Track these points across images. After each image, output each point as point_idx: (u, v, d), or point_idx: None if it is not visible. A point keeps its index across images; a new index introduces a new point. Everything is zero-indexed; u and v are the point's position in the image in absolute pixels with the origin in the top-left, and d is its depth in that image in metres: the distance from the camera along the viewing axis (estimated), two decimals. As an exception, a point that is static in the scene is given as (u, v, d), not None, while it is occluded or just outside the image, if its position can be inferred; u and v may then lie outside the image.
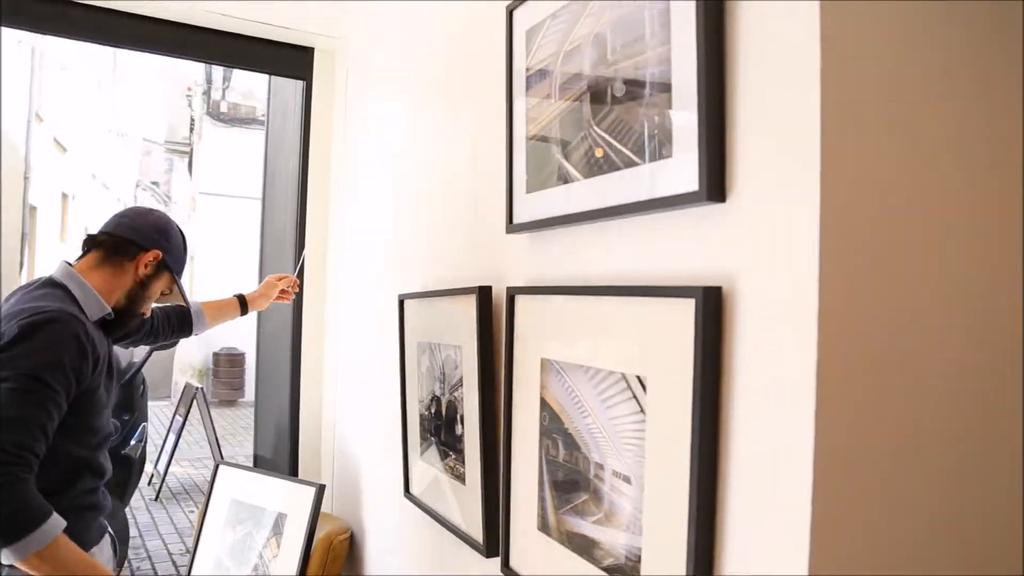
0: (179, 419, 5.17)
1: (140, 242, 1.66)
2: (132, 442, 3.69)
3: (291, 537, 2.16)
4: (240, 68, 2.93)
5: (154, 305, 1.86)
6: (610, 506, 0.99)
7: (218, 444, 5.09)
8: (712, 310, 0.84)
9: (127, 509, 3.81)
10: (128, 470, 3.71)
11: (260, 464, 3.41)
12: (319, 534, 2.15)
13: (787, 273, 0.77)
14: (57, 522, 1.36)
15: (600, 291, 1.02)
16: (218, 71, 10.55)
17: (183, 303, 1.93)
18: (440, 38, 1.72)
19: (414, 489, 1.74)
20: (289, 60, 2.69)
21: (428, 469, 1.64)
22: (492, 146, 1.41)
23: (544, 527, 1.15)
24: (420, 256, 1.76)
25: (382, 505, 2.03)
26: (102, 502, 1.65)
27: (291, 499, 2.21)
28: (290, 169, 3.23)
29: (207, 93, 10.48)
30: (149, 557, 4.22)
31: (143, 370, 3.76)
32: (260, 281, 3.71)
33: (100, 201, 19.91)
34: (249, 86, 10.58)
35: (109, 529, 1.73)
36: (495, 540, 1.35)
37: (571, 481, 1.08)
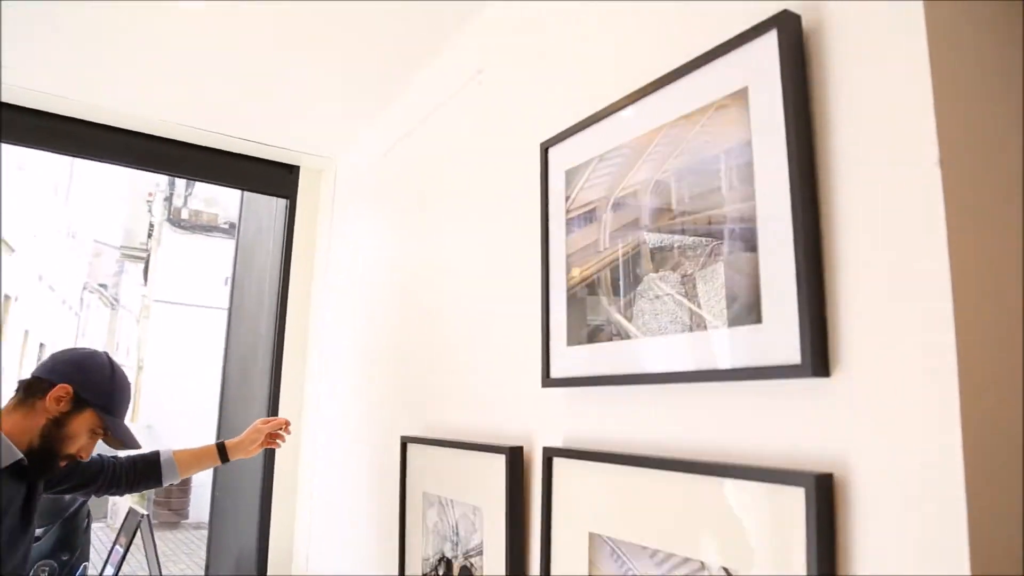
0: (119, 550, 4.72)
1: (49, 378, 1.55)
2: (70, 584, 3.32)
3: None
4: (222, 185, 2.84)
5: (120, 453, 1.73)
6: None
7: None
8: (825, 500, 0.73)
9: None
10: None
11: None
12: None
13: (918, 461, 0.67)
14: None
15: (672, 465, 0.90)
16: (180, 179, 10.48)
17: (126, 446, 1.68)
18: (462, 165, 1.66)
19: (412, 663, 1.53)
20: (274, 178, 2.62)
21: (432, 642, 1.44)
22: (515, 287, 1.32)
23: None
24: (427, 398, 1.63)
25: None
26: None
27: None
28: (262, 282, 3.10)
29: (168, 199, 10.35)
30: None
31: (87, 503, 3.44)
32: (220, 393, 3.50)
33: (44, 303, 19.26)
34: (212, 193, 10.51)
35: None
36: None
37: None
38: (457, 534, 1.37)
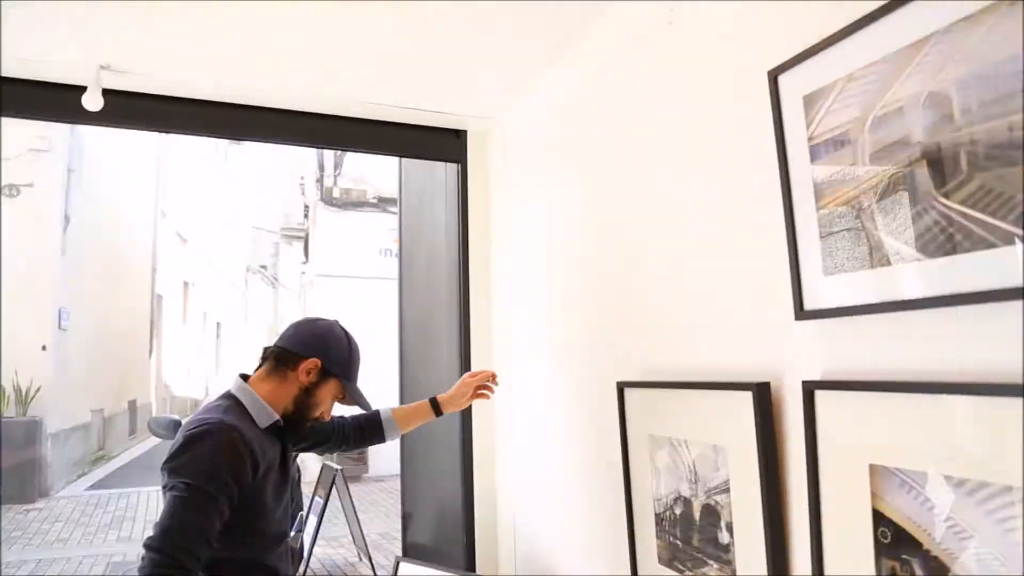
0: (319, 501, 5.17)
1: (298, 351, 1.73)
2: (292, 532, 3.66)
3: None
4: (390, 155, 2.95)
5: (345, 413, 1.88)
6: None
7: (360, 529, 5.04)
8: None
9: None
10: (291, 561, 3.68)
11: (415, 553, 3.30)
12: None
13: None
14: None
15: (980, 390, 0.85)
16: (329, 159, 11.02)
17: (361, 408, 1.89)
18: (663, 107, 1.63)
19: (649, 599, 1.57)
20: (441, 143, 2.68)
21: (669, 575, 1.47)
22: (742, 222, 1.29)
23: (889, 668, 0.97)
24: (641, 343, 1.63)
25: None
26: None
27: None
28: (433, 248, 3.22)
29: (320, 180, 10.93)
30: (302, 649, 4.14)
31: (298, 458, 3.77)
32: (400, 357, 3.69)
33: (215, 286, 21.06)
34: (359, 171, 10.98)
35: None
36: (790, 672, 1.17)
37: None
38: (695, 473, 1.38)
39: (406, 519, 3.48)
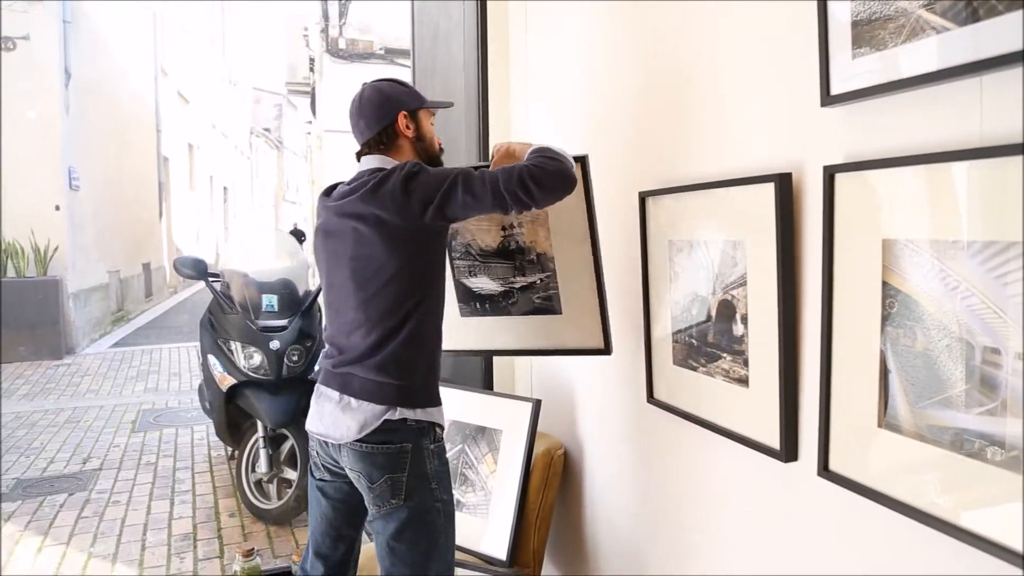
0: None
1: (387, 121, 1.73)
2: (315, 368, 3.84)
3: (509, 453, 2.16)
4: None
5: None
6: (1012, 393, 0.87)
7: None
8: None
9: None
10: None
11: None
12: (536, 451, 2.15)
13: None
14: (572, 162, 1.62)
15: (989, 153, 0.88)
16: (333, 8, 10.59)
17: (444, 105, 1.91)
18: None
19: (661, 395, 1.68)
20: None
21: (685, 374, 1.56)
22: (772, 13, 1.27)
23: (889, 424, 1.05)
24: (664, 153, 1.65)
25: (611, 416, 1.99)
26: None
27: (506, 415, 2.21)
28: (449, 90, 3.17)
29: (324, 31, 10.55)
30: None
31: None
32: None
33: (220, 149, 20.85)
34: (366, 21, 10.58)
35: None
36: (794, 444, 1.27)
37: (937, 371, 0.97)
38: (713, 272, 1.44)
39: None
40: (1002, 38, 0.86)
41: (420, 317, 1.62)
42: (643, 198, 1.67)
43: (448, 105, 1.91)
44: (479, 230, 1.95)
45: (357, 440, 1.60)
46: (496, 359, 2.68)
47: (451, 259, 2.00)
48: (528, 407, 2.15)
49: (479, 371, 2.73)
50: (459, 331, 2.08)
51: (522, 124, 2.51)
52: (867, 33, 1.05)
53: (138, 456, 5.06)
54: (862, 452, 1.11)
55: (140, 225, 13.37)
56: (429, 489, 1.62)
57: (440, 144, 1.83)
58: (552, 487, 2.17)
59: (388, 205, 1.58)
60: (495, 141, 2.60)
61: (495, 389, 2.66)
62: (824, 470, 1.18)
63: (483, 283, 1.99)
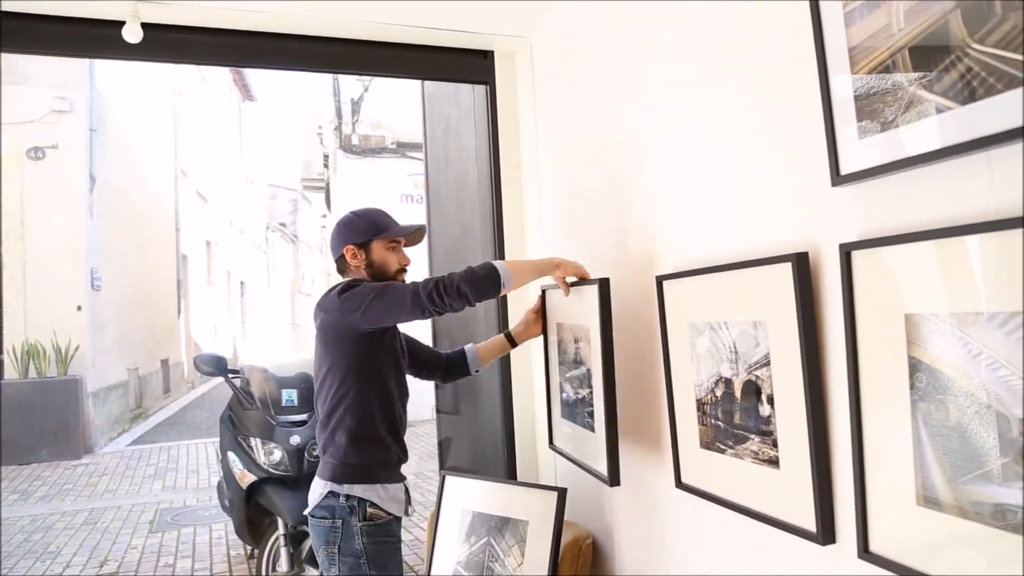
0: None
1: (336, 254, 2.05)
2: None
3: (536, 545, 2.11)
4: (418, 78, 2.98)
5: (438, 350, 2.33)
6: (1052, 468, 0.86)
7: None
8: None
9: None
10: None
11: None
12: (563, 540, 2.09)
13: None
14: (506, 274, 1.90)
15: (1006, 224, 0.89)
16: (347, 106, 11.01)
17: (413, 233, 2.08)
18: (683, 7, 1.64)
19: (690, 480, 1.64)
20: (469, 65, 2.70)
21: (714, 457, 1.54)
22: (776, 97, 1.32)
23: (928, 501, 1.03)
24: (677, 235, 1.68)
25: (639, 502, 1.94)
26: (402, 462, 2.07)
27: (531, 505, 2.16)
28: (461, 178, 3.26)
29: (338, 128, 10.95)
30: None
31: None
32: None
33: (237, 245, 21.29)
34: (377, 117, 10.98)
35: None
36: (831, 526, 1.24)
37: (972, 444, 0.95)
38: (736, 352, 1.44)
39: (443, 445, 3.59)
40: (1003, 115, 0.89)
41: (349, 406, 1.89)
42: (660, 281, 1.68)
43: (411, 230, 2.06)
44: (566, 340, 2.09)
45: (308, 513, 1.95)
46: (518, 446, 2.65)
47: (559, 363, 2.19)
48: (554, 496, 2.11)
49: (502, 460, 2.70)
50: (557, 429, 2.26)
51: (535, 210, 2.56)
52: (867, 107, 1.09)
53: (156, 558, 4.97)
54: (903, 531, 1.08)
55: (159, 322, 13.54)
56: (359, 566, 1.85)
57: (403, 265, 2.05)
58: (581, 577, 2.10)
59: (327, 309, 1.92)
60: (510, 228, 2.65)
61: (519, 478, 2.62)
62: (865, 552, 1.14)
63: (567, 389, 2.12)
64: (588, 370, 1.89)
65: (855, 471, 1.15)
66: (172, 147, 14.45)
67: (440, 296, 1.79)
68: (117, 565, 4.84)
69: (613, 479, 1.76)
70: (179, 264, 14.62)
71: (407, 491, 2.03)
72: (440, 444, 3.78)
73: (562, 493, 2.10)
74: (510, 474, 2.65)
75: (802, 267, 1.24)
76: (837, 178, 1.15)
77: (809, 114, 1.22)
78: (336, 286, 1.95)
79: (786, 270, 1.26)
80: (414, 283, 1.84)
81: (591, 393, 1.88)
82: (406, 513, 2.00)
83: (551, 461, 2.52)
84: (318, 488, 1.93)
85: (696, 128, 1.59)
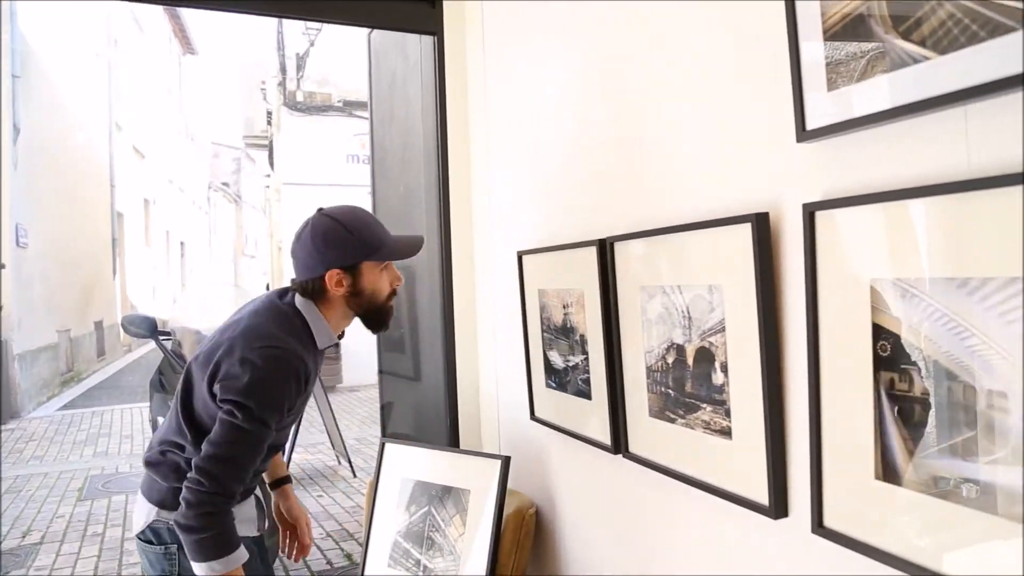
0: (297, 406, 5.17)
1: (314, 275, 1.63)
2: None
3: (478, 514, 2.04)
4: (363, 26, 2.81)
5: None
6: (1019, 441, 0.81)
7: (340, 433, 5.08)
8: None
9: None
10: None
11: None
12: (506, 510, 2.03)
13: None
14: (242, 554, 1.51)
15: (993, 182, 0.83)
16: (291, 62, 10.58)
17: (412, 253, 1.74)
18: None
19: (637, 449, 1.59)
20: (414, 14, 2.55)
21: (662, 426, 1.48)
22: (741, 46, 1.23)
23: (888, 475, 0.98)
24: (628, 197, 1.59)
25: (583, 472, 1.89)
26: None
27: (474, 474, 2.09)
28: (407, 133, 3.12)
29: (282, 84, 10.53)
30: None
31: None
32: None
33: (177, 204, 20.55)
34: (323, 73, 10.60)
35: (257, 492, 1.80)
36: (784, 500, 1.19)
37: (940, 417, 0.90)
38: (689, 318, 1.37)
39: (385, 410, 3.50)
40: (986, 66, 0.82)
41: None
42: (609, 243, 1.60)
43: (415, 247, 1.72)
44: (552, 306, 1.95)
45: (136, 535, 1.72)
46: (460, 412, 2.57)
47: (541, 331, 2.02)
48: (497, 465, 2.04)
49: (444, 427, 2.62)
50: (542, 401, 2.08)
51: (483, 169, 2.45)
52: (838, 55, 1.01)
53: (84, 527, 4.78)
54: (859, 506, 1.03)
55: (92, 282, 13.01)
56: None
57: (396, 287, 1.71)
58: (524, 548, 2.05)
59: (215, 374, 1.53)
60: (457, 188, 2.54)
61: (461, 446, 2.55)
62: (819, 527, 1.09)
63: (555, 357, 1.97)
64: (582, 336, 1.80)
65: (811, 443, 1.09)
66: (106, 99, 13.76)
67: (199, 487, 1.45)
68: (41, 535, 4.64)
69: (616, 447, 1.65)
70: (114, 222, 14.04)
71: (261, 502, 1.79)
72: (382, 409, 3.68)
73: (506, 461, 2.03)
74: (452, 442, 2.57)
75: (762, 228, 1.17)
76: (802, 133, 1.08)
77: (774, 63, 1.14)
78: (222, 363, 1.52)
79: (745, 231, 1.19)
80: (204, 482, 1.45)
81: (586, 359, 1.78)
82: (260, 530, 1.77)
83: (494, 429, 2.45)
84: (144, 509, 1.65)
85: (654, 77, 1.50)
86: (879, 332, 0.98)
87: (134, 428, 8.29)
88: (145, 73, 17.10)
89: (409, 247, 1.71)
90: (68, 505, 5.28)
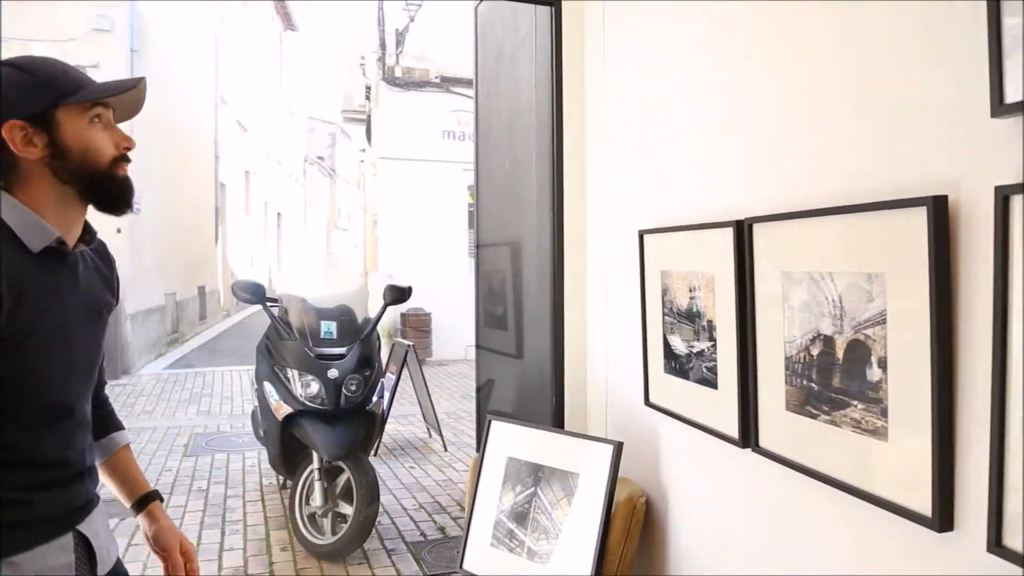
0: (391, 376, 5.26)
1: None
2: (374, 398, 3.74)
3: (586, 499, 2.00)
4: None
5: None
6: None
7: (432, 405, 5.14)
8: None
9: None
10: (372, 426, 3.79)
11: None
12: (617, 497, 1.98)
13: None
14: None
15: None
16: (391, 37, 10.71)
17: (121, 89, 1.25)
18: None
19: (769, 444, 1.50)
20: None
21: (803, 422, 1.39)
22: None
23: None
24: (772, 172, 1.50)
25: (703, 464, 1.81)
26: (41, 507, 1.18)
27: (583, 457, 2.04)
28: (511, 115, 3.07)
29: (381, 59, 10.66)
30: (386, 511, 4.33)
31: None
32: (474, 231, 3.63)
33: (275, 176, 21.28)
34: (421, 49, 10.68)
35: (88, 527, 1.28)
36: (949, 509, 1.09)
37: None
38: (841, 308, 1.27)
39: (484, 387, 3.48)
40: None
41: None
42: (748, 225, 1.51)
43: (123, 89, 1.25)
44: (676, 288, 1.88)
45: None
46: (567, 394, 2.53)
47: (662, 314, 1.96)
48: (609, 450, 1.98)
49: (548, 408, 2.58)
50: (659, 387, 2.02)
51: (600, 144, 2.37)
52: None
53: (189, 482, 5.02)
54: (1048, 527, 0.93)
55: (197, 249, 13.64)
56: None
57: (124, 149, 1.27)
58: (634, 539, 1.99)
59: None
60: (570, 164, 2.48)
61: (566, 428, 2.51)
62: (997, 545, 0.99)
63: (676, 342, 1.91)
64: (709, 321, 1.72)
65: (992, 451, 0.99)
66: (213, 74, 14.30)
67: None
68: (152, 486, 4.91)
69: (745, 440, 1.59)
70: (217, 192, 14.63)
71: (88, 546, 1.27)
72: (480, 388, 3.68)
73: (618, 447, 1.97)
74: (557, 423, 2.53)
75: (939, 212, 1.06)
76: (999, 108, 0.96)
77: (965, 20, 1.02)
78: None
79: (918, 215, 1.08)
80: None
81: (713, 346, 1.71)
82: None
83: (602, 412, 2.40)
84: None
85: (801, 43, 1.39)
86: (1090, 333, 0.87)
87: (233, 390, 8.67)
88: (248, 49, 17.69)
89: (118, 85, 1.25)
90: (175, 460, 5.56)
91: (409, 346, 5.09)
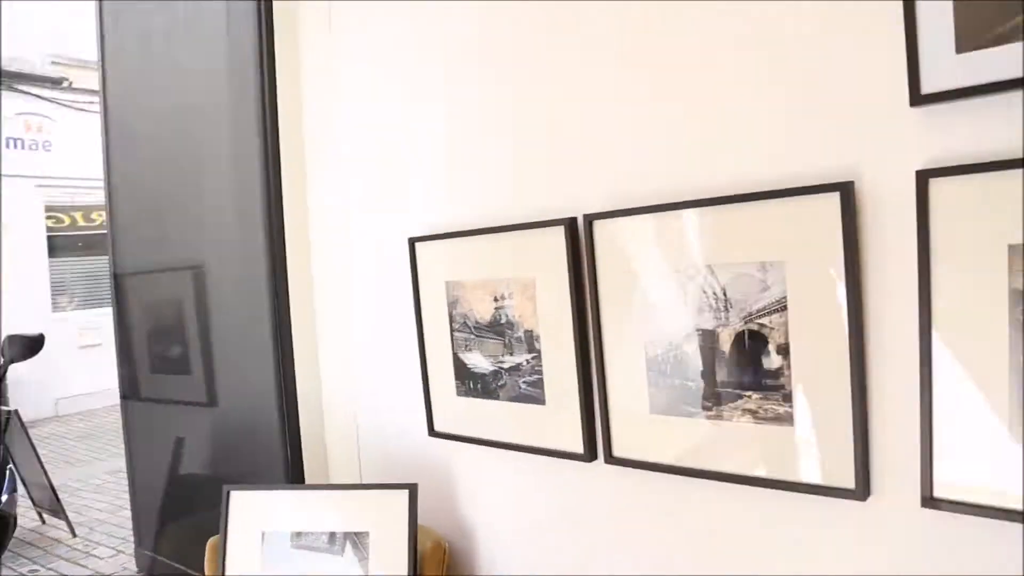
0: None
1: None
2: (3, 496, 2.71)
3: (384, 558, 1.70)
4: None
5: None
6: None
7: (50, 481, 3.89)
8: None
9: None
10: (3, 533, 2.73)
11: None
12: (422, 548, 1.72)
13: None
14: None
15: None
16: None
17: None
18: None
19: (627, 452, 1.43)
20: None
21: (673, 422, 1.35)
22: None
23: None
24: (606, 165, 1.43)
25: (521, 489, 1.67)
26: None
27: (370, 512, 1.74)
28: (173, 110, 2.55)
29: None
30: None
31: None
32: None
33: None
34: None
35: None
36: (866, 484, 1.14)
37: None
38: (726, 300, 1.26)
39: (177, 447, 2.75)
40: None
41: None
42: (587, 222, 1.43)
43: None
44: (475, 299, 1.64)
45: None
46: (304, 441, 2.14)
47: (451, 331, 1.70)
48: (402, 496, 1.71)
49: (280, 460, 2.16)
50: (453, 411, 1.77)
51: (330, 143, 2.06)
52: (977, 28, 0.99)
53: None
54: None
55: None
56: None
57: None
58: (447, 589, 1.75)
59: None
60: (289, 174, 2.11)
61: (307, 481, 2.13)
62: (930, 499, 1.07)
63: (476, 359, 1.68)
64: (528, 331, 1.54)
65: (924, 417, 1.06)
66: None
67: None
68: None
69: (591, 453, 1.47)
70: None
71: None
72: (130, 452, 2.97)
73: (413, 490, 1.72)
74: (295, 478, 2.13)
75: (847, 199, 1.11)
76: (917, 96, 1.04)
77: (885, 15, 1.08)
78: None
79: (819, 202, 1.13)
80: None
81: (536, 358, 1.54)
82: None
83: (352, 455, 2.08)
84: None
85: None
86: (1019, 296, 0.98)
87: None
88: None
89: None
90: None
91: (11, 412, 3.85)
